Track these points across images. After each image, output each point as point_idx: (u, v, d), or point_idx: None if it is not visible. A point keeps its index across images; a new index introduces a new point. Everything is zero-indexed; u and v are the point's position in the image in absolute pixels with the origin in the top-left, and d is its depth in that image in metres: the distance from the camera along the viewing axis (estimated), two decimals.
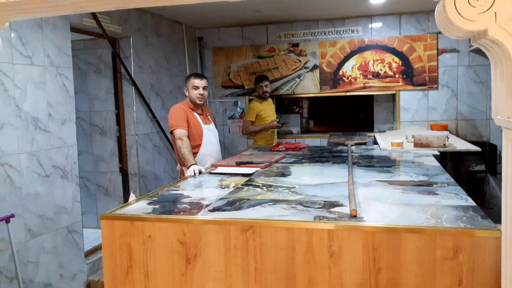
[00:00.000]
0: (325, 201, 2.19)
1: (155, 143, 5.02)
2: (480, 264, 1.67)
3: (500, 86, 1.39)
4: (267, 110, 5.17)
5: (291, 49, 5.91)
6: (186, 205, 2.24)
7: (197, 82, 3.54)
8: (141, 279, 2.05)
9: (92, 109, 4.73)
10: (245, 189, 2.57)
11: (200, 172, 3.08)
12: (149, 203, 2.30)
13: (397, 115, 5.73)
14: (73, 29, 3.85)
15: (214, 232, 1.95)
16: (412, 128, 5.35)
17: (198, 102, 3.55)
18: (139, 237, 2.04)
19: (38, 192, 3.32)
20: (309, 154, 4.00)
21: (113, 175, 4.74)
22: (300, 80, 5.89)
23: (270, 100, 5.33)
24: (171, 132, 3.40)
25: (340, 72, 5.80)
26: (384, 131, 5.71)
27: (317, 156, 3.87)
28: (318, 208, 2.08)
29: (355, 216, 1.91)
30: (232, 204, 2.22)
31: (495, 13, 1.28)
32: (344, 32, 5.76)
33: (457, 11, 1.34)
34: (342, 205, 2.11)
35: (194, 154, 3.47)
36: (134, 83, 4.62)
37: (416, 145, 4.10)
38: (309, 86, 5.91)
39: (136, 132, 4.70)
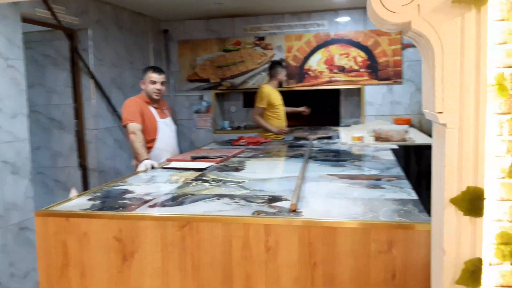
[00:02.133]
0: (269, 196, 2.16)
1: (116, 137, 4.91)
2: (413, 257, 1.66)
3: (427, 79, 1.37)
4: (278, 99, 4.99)
5: (257, 42, 5.86)
6: (127, 201, 2.18)
7: (155, 76, 3.45)
8: (77, 277, 1.99)
9: (49, 102, 4.60)
10: (193, 184, 2.52)
11: (152, 167, 3.02)
12: (90, 199, 2.24)
13: (362, 109, 5.75)
14: (26, 20, 3.72)
15: (151, 229, 1.90)
16: (376, 123, 5.37)
17: (155, 97, 3.47)
18: (75, 234, 1.98)
19: None
20: (269, 149, 3.97)
21: (71, 170, 4.62)
22: (266, 74, 5.84)
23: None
24: (124, 126, 3.32)
25: (306, 66, 5.78)
26: (350, 125, 5.72)
27: (276, 151, 3.85)
28: (260, 203, 2.05)
29: (294, 211, 1.89)
30: (175, 199, 2.17)
31: (418, 5, 1.26)
32: (310, 26, 5.74)
33: (381, 3, 1.31)
34: (285, 199, 2.09)
35: (149, 148, 3.40)
36: (93, 76, 4.51)
37: (377, 139, 4.12)
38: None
39: (96, 126, 4.59)
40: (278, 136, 4.86)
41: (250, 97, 6.25)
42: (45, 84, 4.59)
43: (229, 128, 6.23)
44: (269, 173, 2.80)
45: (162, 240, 1.89)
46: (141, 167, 2.99)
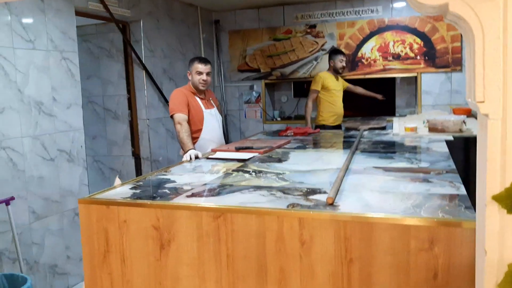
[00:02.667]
0: (308, 189, 2.11)
1: (168, 127, 5.02)
2: (457, 257, 1.55)
3: (469, 65, 1.26)
4: (335, 85, 5.05)
5: (308, 30, 5.75)
6: (166, 190, 2.20)
7: (201, 67, 3.48)
8: (118, 264, 2.04)
9: (105, 93, 4.77)
10: (233, 174, 2.51)
11: (196, 157, 3.04)
12: (132, 188, 2.29)
13: (418, 98, 5.50)
14: (79, 13, 3.86)
15: (186, 218, 1.91)
16: (433, 113, 5.12)
17: (201, 87, 3.50)
18: (115, 221, 2.03)
19: (42, 175, 3.38)
20: (316, 140, 3.89)
21: (126, 159, 4.78)
22: (317, 62, 5.74)
23: (341, 77, 5.25)
24: (171, 117, 3.37)
25: (359, 54, 5.60)
26: (405, 115, 5.50)
27: (324, 142, 3.76)
28: (298, 195, 2.00)
29: (331, 204, 1.82)
30: (213, 190, 2.17)
31: None
32: (363, 12, 5.55)
33: None
34: (324, 192, 2.02)
35: (195, 139, 3.44)
36: (144, 68, 4.62)
37: (431, 130, 3.92)
38: (326, 69, 5.73)
39: (148, 116, 4.71)
40: (332, 123, 4.90)
41: (301, 87, 6.17)
42: (100, 76, 4.77)
43: (279, 119, 6.19)
44: (312, 165, 2.73)
45: (197, 230, 1.89)
46: (186, 157, 3.02)
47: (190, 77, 3.53)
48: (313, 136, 4.09)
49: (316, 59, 5.75)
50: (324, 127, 4.93)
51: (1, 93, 3.06)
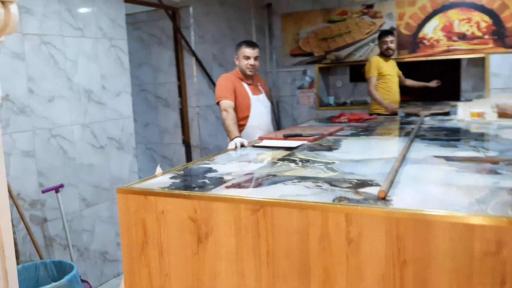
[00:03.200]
0: (358, 180, 1.92)
1: (218, 115, 4.94)
2: None
3: None
4: (389, 69, 4.74)
5: (365, 11, 5.44)
6: (206, 180, 2.09)
7: (248, 51, 3.34)
8: (156, 256, 1.97)
9: (156, 81, 4.77)
10: (278, 164, 2.36)
11: (242, 145, 2.92)
12: (172, 177, 2.20)
13: (486, 81, 5.05)
14: (128, 0, 3.83)
15: (224, 211, 1.79)
16: (503, 96, 4.67)
17: (248, 72, 3.37)
18: (153, 212, 1.95)
19: (92, 163, 3.40)
20: (372, 126, 3.65)
21: (177, 147, 4.77)
22: (375, 44, 5.41)
23: (393, 61, 4.87)
24: (217, 104, 3.27)
25: (420, 35, 5.22)
26: (471, 100, 5.07)
27: (380, 128, 3.52)
28: (346, 187, 1.82)
29: (383, 198, 1.63)
30: (254, 180, 2.04)
31: None
32: None
33: None
34: (376, 185, 1.83)
35: (242, 126, 3.32)
36: (194, 54, 4.55)
37: (500, 115, 3.56)
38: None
39: (198, 104, 4.66)
40: (386, 110, 4.54)
41: (357, 71, 5.88)
42: (151, 63, 4.76)
43: (334, 104, 5.94)
44: (365, 153, 2.52)
45: (235, 224, 1.77)
46: (231, 145, 2.91)
47: (237, 62, 3.41)
48: (368, 123, 3.84)
49: (373, 41, 5.43)
50: (379, 116, 4.64)
51: (51, 82, 3.09)
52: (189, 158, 4.72)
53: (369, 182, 1.88)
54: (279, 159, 2.48)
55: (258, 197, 1.74)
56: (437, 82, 4.95)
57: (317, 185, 1.87)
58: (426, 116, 4.02)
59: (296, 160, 2.42)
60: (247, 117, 3.33)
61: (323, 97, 5.98)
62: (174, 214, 1.90)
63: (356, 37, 5.52)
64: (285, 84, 6.00)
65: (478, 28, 4.95)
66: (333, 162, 2.31)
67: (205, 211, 1.83)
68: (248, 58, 3.33)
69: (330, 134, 3.23)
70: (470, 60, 5.33)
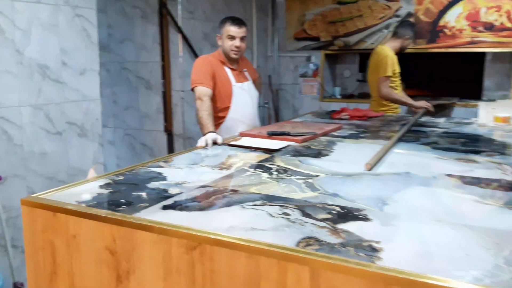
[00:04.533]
0: (341, 208, 1.40)
1: None
2: None
3: None
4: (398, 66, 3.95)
5: None
6: (144, 194, 1.58)
7: (233, 30, 2.80)
8: None
9: (138, 59, 4.25)
10: (248, 173, 1.84)
11: (215, 143, 2.40)
12: (103, 185, 1.69)
13: None
14: None
15: (150, 244, 1.28)
16: None
17: (233, 55, 2.83)
18: (63, 235, 1.45)
19: (45, 151, 2.91)
20: (376, 126, 3.11)
21: (158, 135, 4.27)
22: (389, 31, 4.82)
23: None
24: (192, 90, 2.74)
25: (441, 23, 4.62)
26: (494, 100, 4.48)
27: (385, 130, 2.97)
28: (322, 220, 1.30)
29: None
30: (205, 198, 1.52)
31: None
32: None
33: None
34: (363, 218, 1.31)
35: (222, 118, 2.80)
36: (181, 31, 4.01)
37: None
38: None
39: (183, 88, 4.13)
40: (395, 110, 3.95)
41: (368, 60, 5.28)
42: (135, 39, 4.24)
43: (339, 96, 5.36)
44: (359, 164, 1.98)
45: (164, 263, 1.27)
46: (200, 142, 2.39)
47: (219, 42, 2.87)
48: (373, 121, 3.30)
49: (387, 27, 4.84)
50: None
51: None
52: (171, 148, 4.22)
53: (355, 213, 1.35)
54: (252, 166, 1.96)
55: (195, 230, 1.23)
56: (427, 105, 3.83)
57: (284, 213, 1.35)
58: (431, 113, 3.54)
59: (271, 169, 1.90)
60: (227, 108, 2.81)
61: (328, 88, 5.41)
62: (88, 241, 1.40)
63: (368, 22, 4.93)
64: (287, 70, 5.43)
65: (509, 18, 4.34)
66: (316, 175, 1.78)
67: (126, 242, 1.33)
68: (233, 38, 2.80)
69: (325, 134, 2.70)
70: (496, 54, 4.72)
